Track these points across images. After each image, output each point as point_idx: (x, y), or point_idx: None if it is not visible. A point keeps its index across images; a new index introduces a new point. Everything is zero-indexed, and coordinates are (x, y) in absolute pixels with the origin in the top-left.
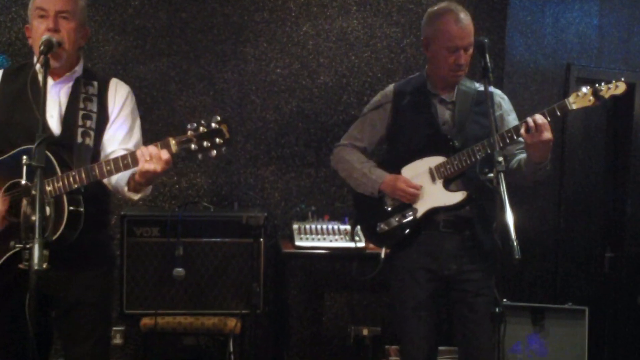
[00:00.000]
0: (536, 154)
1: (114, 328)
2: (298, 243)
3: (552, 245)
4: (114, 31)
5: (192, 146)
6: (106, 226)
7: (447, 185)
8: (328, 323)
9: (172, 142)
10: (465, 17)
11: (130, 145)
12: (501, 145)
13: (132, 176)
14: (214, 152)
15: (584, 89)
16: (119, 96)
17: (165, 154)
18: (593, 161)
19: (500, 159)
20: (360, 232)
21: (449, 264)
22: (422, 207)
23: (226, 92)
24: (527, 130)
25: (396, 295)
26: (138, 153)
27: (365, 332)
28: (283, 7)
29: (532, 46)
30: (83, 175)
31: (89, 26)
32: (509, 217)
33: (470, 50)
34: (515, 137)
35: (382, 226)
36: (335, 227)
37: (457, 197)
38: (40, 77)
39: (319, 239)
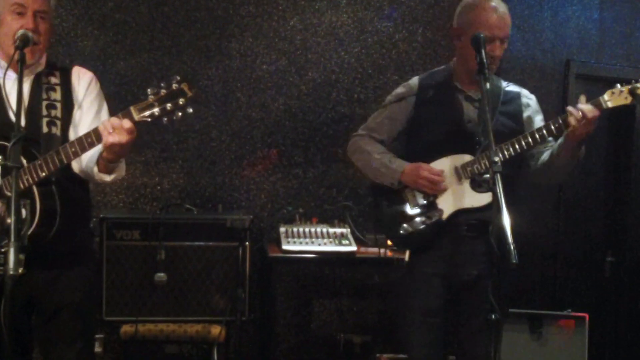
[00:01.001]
0: (577, 140)
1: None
2: (285, 247)
3: (550, 249)
4: (92, 25)
5: (155, 111)
6: (87, 223)
7: (474, 186)
8: (316, 330)
9: (133, 109)
10: (504, 6)
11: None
12: (534, 143)
13: (100, 155)
14: (179, 113)
15: (620, 87)
16: (82, 82)
17: (127, 123)
18: (594, 161)
19: (497, 159)
20: (350, 236)
21: (469, 269)
22: (448, 208)
23: (210, 89)
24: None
25: (406, 300)
26: (100, 127)
27: (355, 339)
28: (270, 0)
29: (529, 41)
30: (49, 161)
31: (66, 22)
32: (506, 220)
33: (506, 44)
34: (563, 129)
35: (407, 227)
36: (324, 230)
37: (485, 198)
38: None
39: (307, 243)
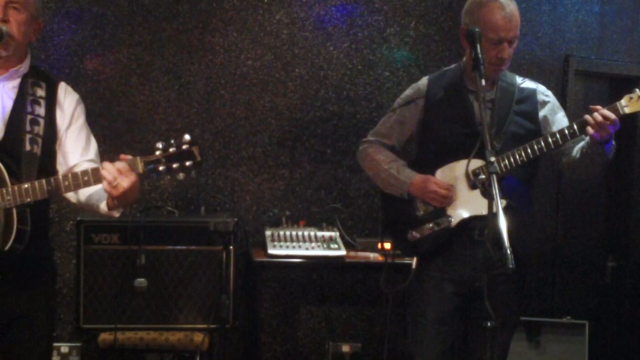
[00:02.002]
0: (600, 141)
1: (70, 344)
2: (271, 251)
3: (548, 254)
4: (69, 19)
5: (161, 168)
6: (47, 236)
7: (484, 193)
8: (304, 339)
9: (140, 161)
10: (512, 6)
11: (91, 155)
12: (548, 149)
13: (109, 198)
14: (182, 174)
15: (639, 91)
16: (68, 103)
17: (132, 177)
18: None
19: (493, 159)
20: (339, 239)
21: (481, 276)
22: (457, 216)
23: (192, 86)
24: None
25: (417, 307)
26: (104, 172)
27: (344, 348)
28: None
29: (527, 36)
30: (37, 188)
31: (42, 15)
32: (502, 223)
33: (515, 44)
34: (578, 134)
35: (414, 234)
36: (312, 233)
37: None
38: None
39: (293, 247)
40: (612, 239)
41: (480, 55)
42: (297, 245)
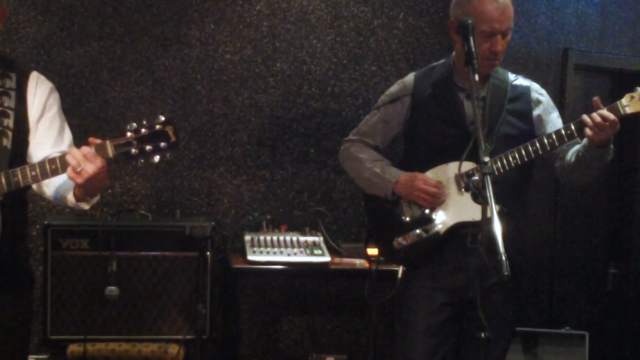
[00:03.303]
0: (598, 144)
1: (36, 357)
2: (251, 257)
3: (546, 260)
4: (36, 10)
5: (133, 150)
6: (24, 239)
7: (475, 197)
8: (286, 351)
9: (109, 145)
10: None
11: (64, 147)
12: (543, 151)
13: (76, 188)
14: (157, 157)
15: None
16: (40, 93)
17: (99, 162)
18: None
19: (487, 159)
20: (323, 245)
21: (475, 284)
22: (447, 221)
23: (167, 81)
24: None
25: (406, 318)
26: (68, 157)
27: None
28: None
29: (523, 28)
30: (3, 180)
31: (6, 6)
32: (497, 227)
33: (509, 37)
34: (576, 135)
35: (400, 241)
36: (294, 238)
37: (487, 210)
38: None
39: (274, 253)
40: (614, 244)
41: (473, 49)
42: (278, 251)
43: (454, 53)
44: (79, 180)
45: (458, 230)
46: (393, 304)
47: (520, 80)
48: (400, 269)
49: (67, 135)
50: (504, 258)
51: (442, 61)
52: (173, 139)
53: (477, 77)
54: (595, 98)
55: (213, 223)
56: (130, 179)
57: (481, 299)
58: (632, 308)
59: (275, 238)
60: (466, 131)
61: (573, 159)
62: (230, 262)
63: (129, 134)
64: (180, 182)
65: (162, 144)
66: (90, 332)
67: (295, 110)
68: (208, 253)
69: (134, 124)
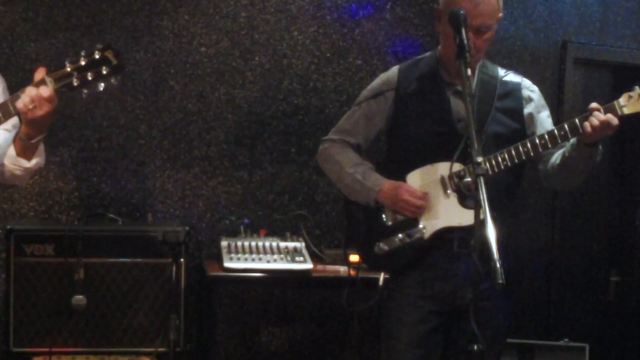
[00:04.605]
0: (591, 142)
1: None
2: (227, 264)
3: (543, 267)
4: None
5: (74, 80)
6: None
7: (462, 200)
8: None
9: (49, 79)
10: None
11: (9, 125)
12: (535, 152)
13: (17, 135)
14: (102, 84)
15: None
16: None
17: (45, 91)
18: None
19: (480, 159)
20: (305, 251)
21: (464, 292)
22: (431, 226)
23: (137, 76)
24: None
25: (391, 328)
26: (18, 104)
27: None
28: None
29: (519, 19)
30: None
31: None
32: (491, 232)
33: (487, 35)
34: (570, 137)
35: (382, 246)
36: (274, 244)
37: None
38: None
39: (253, 260)
40: (615, 249)
41: (465, 42)
42: (257, 257)
43: (440, 46)
44: (31, 115)
45: (444, 235)
46: (377, 313)
47: (511, 76)
48: (381, 276)
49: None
50: (498, 265)
51: (427, 54)
52: (115, 62)
53: (469, 71)
54: (593, 105)
55: (187, 228)
56: (99, 180)
57: (472, 307)
58: (635, 318)
59: (253, 244)
60: (453, 129)
61: (559, 161)
62: (206, 269)
63: (67, 66)
64: (152, 184)
65: (105, 70)
66: (56, 344)
67: (275, 106)
68: (182, 260)
69: (73, 56)
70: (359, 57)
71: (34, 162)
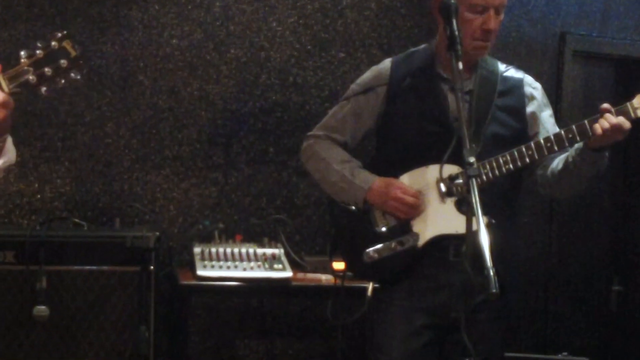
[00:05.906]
0: (599, 147)
1: None
2: (201, 272)
3: (541, 276)
4: None
5: (30, 78)
6: None
7: (459, 206)
8: None
9: (2, 79)
10: None
11: None
12: (540, 156)
13: None
14: (62, 80)
15: None
16: None
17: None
18: None
19: (472, 159)
20: (284, 258)
21: (459, 304)
22: (426, 233)
23: (104, 69)
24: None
25: (379, 342)
26: None
27: None
28: None
29: (515, 9)
30: None
31: None
32: (484, 238)
33: (502, 16)
34: (578, 140)
35: (372, 254)
36: (251, 250)
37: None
38: None
39: (228, 267)
40: (617, 257)
41: (456, 33)
42: (232, 265)
43: (437, 37)
44: None
45: (439, 242)
46: (364, 326)
47: (512, 72)
48: (370, 286)
49: None
50: (491, 273)
51: (422, 46)
52: (73, 53)
53: (460, 65)
54: (604, 106)
55: (157, 233)
56: (63, 181)
57: (466, 319)
58: (638, 330)
59: (229, 250)
60: (449, 128)
61: (560, 166)
62: (178, 277)
63: (23, 60)
64: (120, 186)
65: (63, 63)
66: (17, 357)
67: (252, 103)
68: (152, 267)
69: (27, 50)
70: (342, 49)
71: (1, 162)
